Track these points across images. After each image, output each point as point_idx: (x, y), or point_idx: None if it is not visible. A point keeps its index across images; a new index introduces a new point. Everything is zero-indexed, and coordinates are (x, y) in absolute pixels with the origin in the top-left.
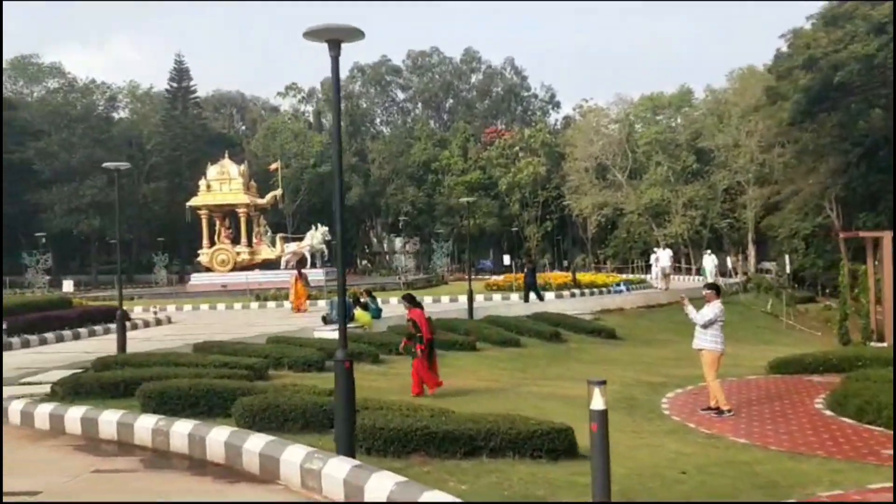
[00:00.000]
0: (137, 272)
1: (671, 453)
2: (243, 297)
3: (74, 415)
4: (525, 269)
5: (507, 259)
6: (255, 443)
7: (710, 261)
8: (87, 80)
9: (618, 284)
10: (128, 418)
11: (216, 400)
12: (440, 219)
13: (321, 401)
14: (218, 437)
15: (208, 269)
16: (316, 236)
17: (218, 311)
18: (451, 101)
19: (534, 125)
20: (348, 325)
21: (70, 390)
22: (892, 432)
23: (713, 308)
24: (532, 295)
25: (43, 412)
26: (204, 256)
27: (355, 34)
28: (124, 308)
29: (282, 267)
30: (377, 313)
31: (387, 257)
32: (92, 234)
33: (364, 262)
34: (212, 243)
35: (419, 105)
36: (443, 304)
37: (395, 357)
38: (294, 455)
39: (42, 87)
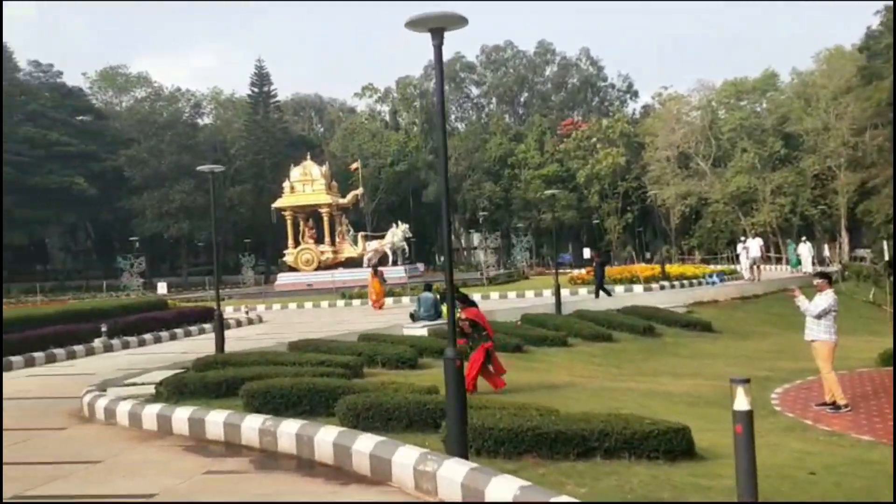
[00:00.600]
0: (224, 273)
1: (795, 452)
2: (329, 295)
3: (181, 415)
4: (594, 264)
5: (586, 252)
6: (365, 443)
7: (806, 249)
8: (173, 88)
9: (710, 275)
10: (234, 419)
11: (318, 399)
12: (517, 213)
13: (424, 399)
14: (326, 437)
15: (293, 269)
16: (397, 234)
17: (306, 310)
18: (525, 94)
19: (612, 115)
20: (436, 322)
21: (174, 390)
22: None
23: (826, 297)
24: (601, 292)
25: (150, 413)
26: (289, 256)
27: (458, 21)
28: (214, 307)
29: (364, 265)
30: None
31: (465, 253)
32: (181, 238)
33: (442, 258)
34: (296, 243)
35: (493, 100)
36: (527, 299)
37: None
38: (406, 456)
39: (130, 96)
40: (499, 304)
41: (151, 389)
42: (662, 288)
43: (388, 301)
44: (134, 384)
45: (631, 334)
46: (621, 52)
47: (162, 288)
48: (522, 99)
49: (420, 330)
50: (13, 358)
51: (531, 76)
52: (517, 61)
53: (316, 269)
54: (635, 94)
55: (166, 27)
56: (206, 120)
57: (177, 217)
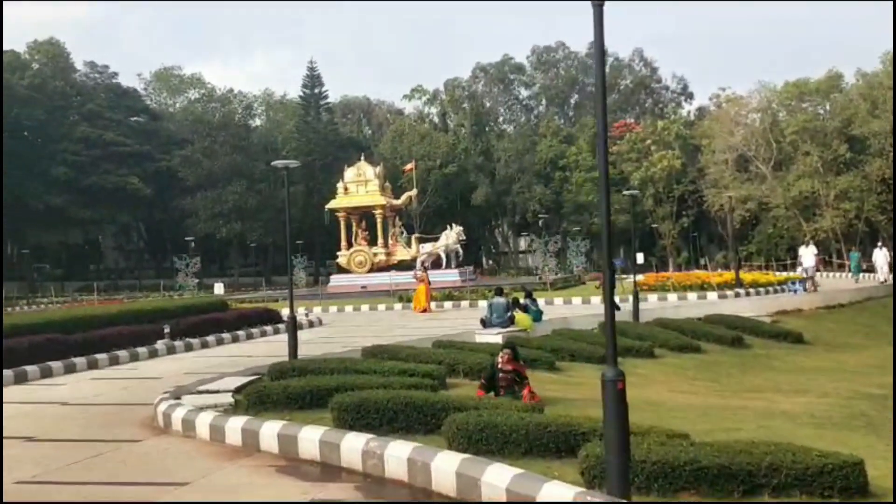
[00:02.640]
0: (275, 274)
1: None
2: (384, 298)
3: (270, 431)
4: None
5: (640, 257)
6: (498, 475)
7: (882, 255)
8: (225, 89)
9: (792, 283)
10: (332, 437)
11: (416, 415)
12: (568, 217)
13: (543, 420)
14: (446, 464)
15: (346, 271)
16: (451, 236)
17: (362, 313)
18: (576, 96)
19: (666, 117)
20: (510, 329)
21: (256, 400)
22: None
23: None
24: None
25: (234, 426)
26: (342, 258)
27: None
28: (276, 310)
29: (417, 267)
30: (538, 315)
31: (513, 257)
32: (232, 238)
33: (490, 262)
34: (349, 245)
35: (543, 102)
36: (594, 305)
37: (569, 363)
38: (556, 493)
39: (184, 97)
40: (568, 309)
41: (227, 398)
42: (738, 296)
43: (448, 305)
44: (208, 391)
45: (718, 345)
46: (675, 53)
47: (219, 288)
48: (573, 101)
49: (494, 337)
50: (76, 359)
51: (582, 77)
52: (568, 62)
53: (369, 272)
54: (690, 96)
55: (220, 31)
56: (258, 122)
57: (229, 218)
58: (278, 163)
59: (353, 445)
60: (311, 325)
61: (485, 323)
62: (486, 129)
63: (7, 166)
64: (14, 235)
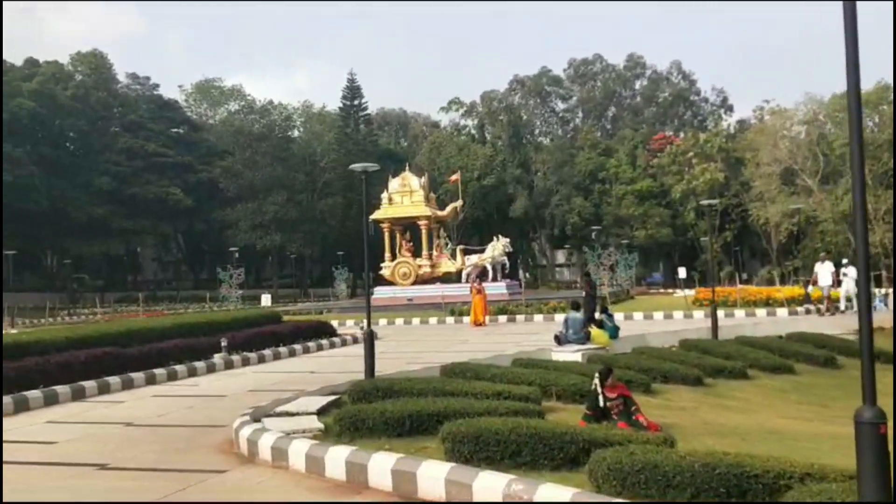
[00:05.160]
0: (315, 286)
1: None
2: (433, 311)
3: (382, 465)
4: (585, 286)
5: (682, 272)
6: None
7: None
8: (265, 101)
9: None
10: (460, 475)
11: (542, 448)
12: (609, 230)
13: (709, 461)
14: None
15: (390, 283)
16: (497, 248)
17: (414, 326)
18: (613, 108)
19: (706, 130)
20: (588, 346)
21: (349, 426)
22: None
23: None
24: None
25: (337, 458)
26: (386, 270)
27: None
28: (328, 322)
29: (462, 280)
30: (614, 332)
31: (551, 270)
32: (272, 250)
33: (527, 275)
34: (393, 256)
35: (580, 114)
36: (657, 321)
37: (662, 385)
38: None
39: (224, 109)
40: (638, 325)
41: (312, 421)
42: (808, 312)
43: (502, 318)
44: (288, 413)
45: (809, 366)
46: (714, 65)
47: (265, 300)
48: (611, 113)
49: (573, 355)
50: (133, 375)
51: (620, 90)
52: (606, 75)
53: (413, 283)
54: (730, 108)
55: (260, 44)
56: (297, 133)
57: (269, 229)
58: (356, 166)
59: (489, 486)
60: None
61: (559, 339)
62: (524, 141)
63: (50, 177)
64: (55, 246)
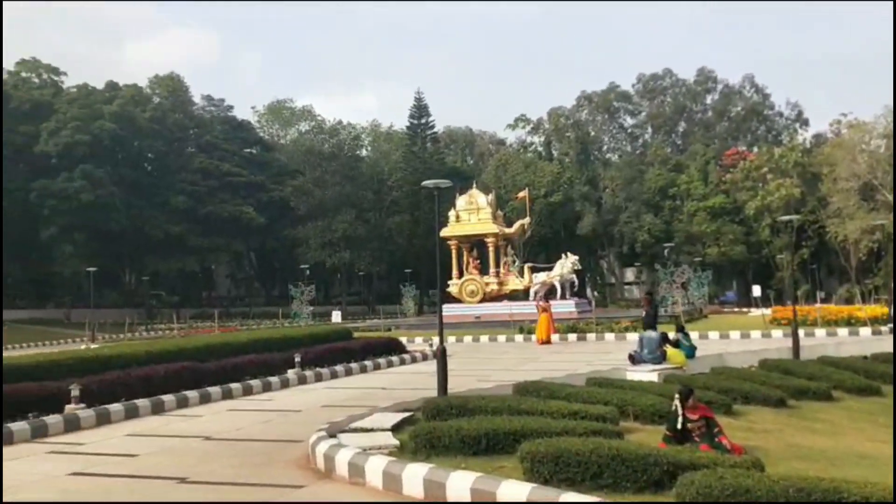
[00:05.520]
0: (382, 302)
1: None
2: (501, 328)
3: (460, 483)
4: (644, 303)
5: (756, 290)
6: None
7: None
8: (334, 121)
9: None
10: (543, 496)
11: (624, 470)
12: (680, 247)
13: (804, 486)
14: None
15: (457, 300)
16: (566, 265)
17: (483, 344)
18: (684, 124)
19: (780, 144)
20: (664, 366)
21: (425, 443)
22: None
23: None
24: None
25: (415, 475)
26: (453, 287)
27: None
28: (397, 338)
29: (530, 297)
30: (691, 351)
31: (620, 288)
32: (341, 267)
33: (595, 293)
34: (460, 274)
35: (649, 130)
36: (733, 340)
37: (743, 406)
38: None
39: (295, 129)
40: (714, 345)
41: (387, 437)
42: (893, 332)
43: (572, 337)
44: (363, 429)
45: None
46: (788, 78)
47: (336, 317)
48: (681, 128)
49: (648, 374)
50: (210, 389)
51: (691, 105)
52: (676, 90)
53: (480, 301)
54: (805, 123)
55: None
56: (365, 152)
57: (338, 246)
58: (428, 183)
59: None
60: (434, 356)
61: (633, 358)
62: (591, 157)
63: (130, 196)
64: (134, 263)
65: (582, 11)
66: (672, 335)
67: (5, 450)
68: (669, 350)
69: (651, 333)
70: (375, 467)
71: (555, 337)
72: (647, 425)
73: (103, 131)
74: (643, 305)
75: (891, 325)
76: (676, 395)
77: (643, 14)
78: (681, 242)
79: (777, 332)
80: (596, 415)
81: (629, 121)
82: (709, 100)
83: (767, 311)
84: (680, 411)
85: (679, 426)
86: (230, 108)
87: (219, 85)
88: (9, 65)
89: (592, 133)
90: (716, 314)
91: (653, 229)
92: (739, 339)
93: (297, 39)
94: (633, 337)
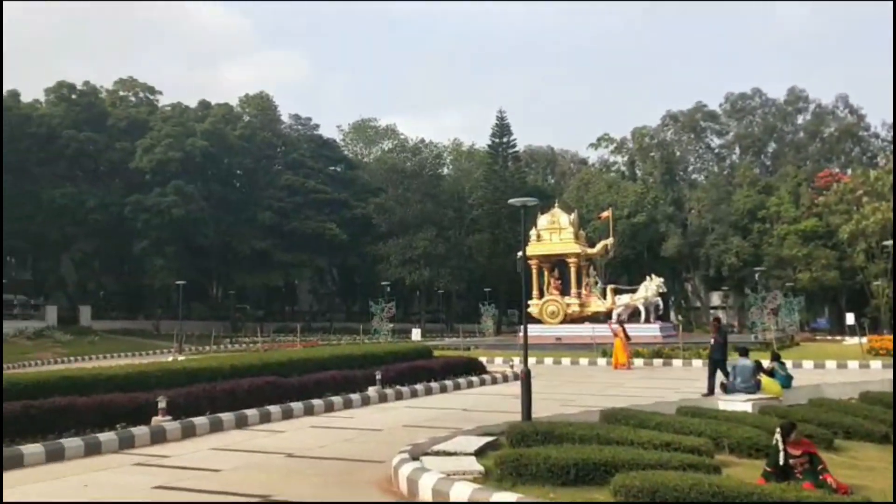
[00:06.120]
0: (457, 321)
1: None
2: (582, 351)
3: None
4: (712, 330)
5: (850, 318)
6: None
7: None
8: (417, 139)
9: None
10: None
11: None
12: (769, 271)
13: None
14: None
15: (537, 321)
16: (650, 288)
17: (564, 367)
18: (774, 144)
19: (879, 167)
20: (759, 396)
21: (511, 471)
22: None
23: None
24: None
25: None
26: (533, 308)
27: None
28: (477, 359)
29: (613, 320)
30: (787, 381)
31: (705, 313)
32: (420, 284)
33: (679, 317)
34: (541, 294)
35: (737, 150)
36: (829, 370)
37: (844, 441)
38: None
39: (378, 148)
40: (809, 375)
41: (471, 462)
42: None
43: (657, 362)
44: (445, 453)
45: None
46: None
47: (416, 334)
48: (770, 149)
49: (742, 405)
50: (293, 404)
51: (781, 125)
52: (765, 109)
53: (560, 322)
54: None
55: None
56: (446, 170)
57: (418, 264)
58: (515, 201)
59: None
60: (516, 377)
61: (726, 387)
62: (677, 178)
63: (218, 211)
64: (221, 277)
65: (667, 30)
66: (767, 364)
67: (94, 460)
68: (764, 379)
69: (745, 361)
70: (460, 493)
71: (638, 361)
72: (744, 459)
73: (195, 148)
74: (711, 332)
75: None
76: (778, 430)
77: (731, 32)
78: (770, 266)
79: (875, 363)
80: (690, 447)
81: (716, 141)
82: (800, 120)
83: (864, 340)
84: (781, 446)
85: (781, 462)
86: (316, 126)
87: (306, 104)
88: (107, 83)
89: (678, 153)
90: (808, 342)
91: (741, 252)
92: (836, 368)
93: (382, 61)
94: None
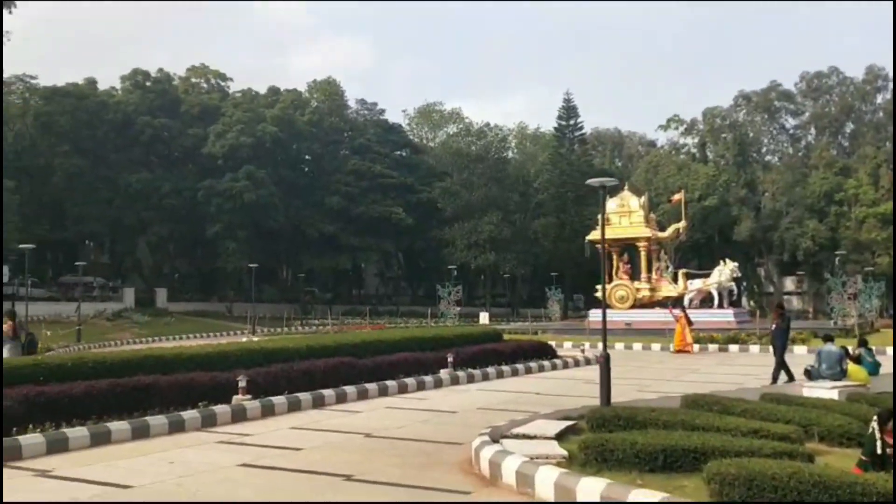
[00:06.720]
0: (522, 305)
1: None
2: (653, 336)
3: (642, 502)
4: (774, 317)
5: None
6: None
7: None
8: (482, 123)
9: None
10: None
11: (826, 498)
12: (847, 255)
13: None
14: None
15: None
16: (724, 272)
17: (636, 352)
18: (851, 124)
19: None
20: (845, 383)
21: (596, 456)
22: None
23: None
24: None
25: (590, 490)
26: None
27: None
28: (548, 343)
29: (685, 305)
30: (874, 368)
31: (778, 298)
32: (485, 268)
33: (751, 303)
34: (609, 278)
35: (812, 131)
36: None
37: None
38: None
39: (443, 132)
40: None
41: (552, 446)
42: None
43: (733, 348)
44: (525, 436)
45: None
46: None
47: (483, 318)
48: (848, 129)
49: (828, 392)
50: (368, 385)
51: (859, 104)
52: (843, 88)
53: (630, 308)
54: None
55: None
56: (511, 154)
57: (484, 248)
58: (593, 181)
59: None
60: (587, 362)
61: (810, 374)
62: (750, 159)
63: (288, 196)
64: (290, 260)
65: (738, 7)
66: (853, 350)
67: (178, 437)
68: (851, 366)
69: (831, 347)
70: (546, 478)
71: (712, 347)
72: (834, 447)
73: (265, 134)
74: (773, 319)
75: None
76: (874, 417)
77: (805, 9)
78: (848, 251)
79: None
80: (779, 434)
81: (791, 121)
82: (879, 99)
83: None
84: (878, 434)
85: (878, 451)
86: (382, 111)
87: (372, 89)
88: (180, 70)
89: (751, 134)
90: (888, 328)
91: (816, 236)
92: None
93: (447, 45)
94: (799, 350)
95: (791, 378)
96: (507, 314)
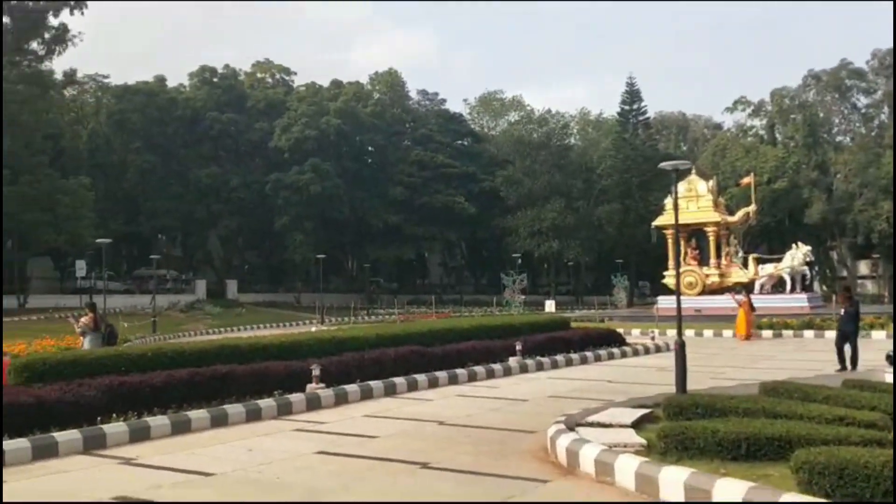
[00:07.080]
0: (586, 293)
1: None
2: (723, 323)
3: (728, 492)
4: (842, 300)
5: None
6: None
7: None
8: (544, 110)
9: None
10: None
11: None
12: None
13: None
14: None
15: (673, 292)
16: (797, 257)
17: (706, 339)
18: None
19: None
20: None
21: (676, 444)
22: None
23: None
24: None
25: (672, 479)
26: (669, 278)
27: None
28: (616, 330)
29: (756, 290)
30: None
31: (852, 283)
32: (549, 256)
33: (824, 287)
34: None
35: (885, 110)
36: None
37: None
38: None
39: (504, 120)
40: None
41: (629, 435)
42: None
43: (808, 333)
44: (601, 424)
45: None
46: None
47: (549, 306)
48: None
49: None
50: (438, 374)
51: None
52: None
53: (699, 294)
54: None
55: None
56: (573, 141)
57: (547, 236)
58: (665, 165)
59: None
60: (657, 349)
61: (891, 359)
62: (820, 140)
63: (352, 187)
64: (355, 251)
65: None
66: None
67: (255, 426)
68: None
69: None
70: (626, 467)
71: (787, 333)
72: None
73: (329, 127)
74: (841, 303)
75: None
76: None
77: None
78: None
79: None
80: (866, 422)
81: (863, 100)
82: None
83: None
84: None
85: None
86: (443, 101)
87: (432, 79)
88: (245, 66)
89: (821, 114)
90: None
91: (891, 218)
92: None
93: (507, 32)
94: (878, 335)
95: (844, 367)
96: (571, 302)
